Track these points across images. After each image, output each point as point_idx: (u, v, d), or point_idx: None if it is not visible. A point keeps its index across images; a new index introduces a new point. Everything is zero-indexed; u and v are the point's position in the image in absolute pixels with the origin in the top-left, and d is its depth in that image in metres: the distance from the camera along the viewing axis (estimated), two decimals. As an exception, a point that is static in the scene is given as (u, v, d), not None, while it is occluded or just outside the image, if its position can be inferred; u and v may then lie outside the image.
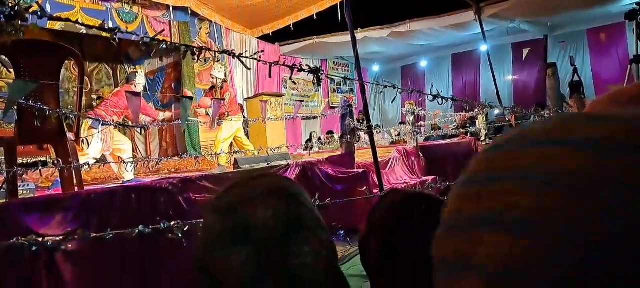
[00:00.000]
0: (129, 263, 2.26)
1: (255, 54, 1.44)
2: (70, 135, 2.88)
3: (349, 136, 4.30)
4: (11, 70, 2.67)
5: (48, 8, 5.87)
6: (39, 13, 0.98)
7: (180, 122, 3.83)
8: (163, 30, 6.39)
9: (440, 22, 8.61)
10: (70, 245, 1.60)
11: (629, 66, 3.46)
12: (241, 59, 1.41)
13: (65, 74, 7.33)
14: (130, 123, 4.20)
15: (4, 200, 2.28)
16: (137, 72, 5.14)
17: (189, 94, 5.59)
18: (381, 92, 11.60)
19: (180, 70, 7.28)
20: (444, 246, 0.30)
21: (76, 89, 4.50)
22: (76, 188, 2.72)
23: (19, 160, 2.76)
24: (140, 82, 5.02)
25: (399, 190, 1.01)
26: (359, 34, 8.68)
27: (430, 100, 1.96)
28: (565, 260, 0.23)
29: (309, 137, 9.68)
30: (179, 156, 4.20)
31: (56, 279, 1.94)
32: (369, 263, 0.92)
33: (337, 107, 9.74)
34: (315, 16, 7.80)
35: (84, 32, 5.89)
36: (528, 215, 0.25)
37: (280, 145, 4.86)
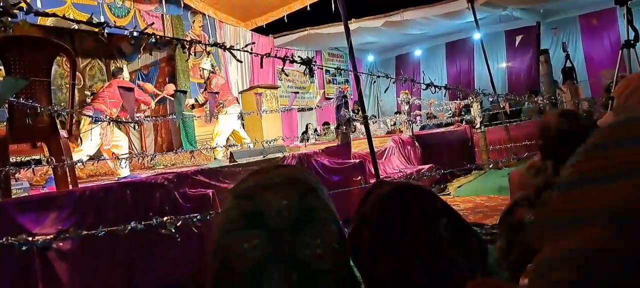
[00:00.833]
0: (123, 259, 2.26)
1: (246, 46, 1.43)
2: (64, 133, 2.86)
3: (344, 127, 4.30)
4: (1, 67, 2.64)
5: (39, 4, 5.80)
6: (25, 9, 0.97)
7: (174, 116, 3.81)
8: (153, 24, 6.34)
9: (434, 10, 8.59)
10: (62, 244, 1.60)
11: (620, 51, 3.47)
12: (232, 51, 1.40)
13: (57, 71, 7.26)
14: (124, 119, 4.17)
15: (-2, 199, 2.27)
16: (122, 67, 5.17)
17: (182, 88, 5.54)
18: (374, 82, 11.58)
19: (173, 64, 7.24)
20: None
21: (69, 85, 4.45)
22: (70, 186, 2.71)
23: (12, 159, 2.75)
24: (127, 77, 5.03)
25: (387, 181, 1.01)
26: (353, 25, 8.64)
27: (424, 89, 1.97)
28: None
29: (305, 129, 9.68)
30: (174, 151, 4.18)
31: (50, 277, 1.94)
32: (360, 258, 0.92)
33: (332, 98, 9.73)
34: (308, 7, 7.76)
35: (75, 27, 5.84)
36: None
37: (276, 137, 4.85)
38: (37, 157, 4.46)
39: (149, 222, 1.33)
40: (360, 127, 7.31)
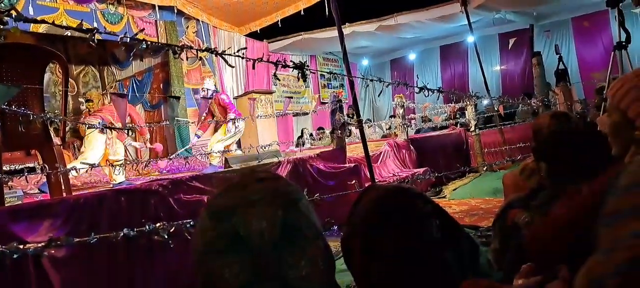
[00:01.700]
0: (118, 267, 2.24)
1: (238, 50, 1.43)
2: (57, 140, 2.84)
3: (339, 131, 4.30)
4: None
5: (31, 11, 5.78)
6: (15, 16, 0.97)
7: (167, 123, 3.79)
8: (143, 30, 6.32)
9: (427, 14, 8.63)
10: (55, 251, 1.58)
11: (612, 52, 3.50)
12: (224, 56, 1.39)
13: (50, 78, 7.23)
14: (118, 125, 4.16)
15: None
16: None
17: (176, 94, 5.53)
18: (367, 86, 11.61)
19: (168, 71, 7.22)
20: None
21: (62, 93, 4.42)
22: (64, 194, 2.69)
23: (6, 167, 2.72)
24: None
25: (377, 186, 1.01)
26: (347, 29, 8.66)
27: (417, 93, 1.97)
28: None
29: (300, 134, 9.68)
30: (168, 157, 4.16)
31: (45, 286, 1.91)
32: (353, 264, 0.92)
33: (327, 103, 9.74)
34: (302, 12, 7.78)
35: (68, 34, 5.82)
36: None
37: (271, 142, 4.85)
38: (31, 165, 4.43)
39: (141, 228, 1.32)
40: (355, 131, 7.31)
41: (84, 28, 1.17)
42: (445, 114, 9.26)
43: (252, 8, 7.80)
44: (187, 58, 6.88)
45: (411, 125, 8.09)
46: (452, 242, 0.94)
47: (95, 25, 6.32)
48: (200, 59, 6.90)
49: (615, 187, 0.42)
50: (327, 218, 3.63)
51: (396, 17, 8.79)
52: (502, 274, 1.27)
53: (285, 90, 9.82)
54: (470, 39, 8.32)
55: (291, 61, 1.64)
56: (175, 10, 7.26)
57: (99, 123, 3.98)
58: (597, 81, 7.80)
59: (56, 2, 6.15)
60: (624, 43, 3.47)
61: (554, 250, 1.09)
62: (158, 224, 1.36)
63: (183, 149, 5.13)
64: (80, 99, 7.56)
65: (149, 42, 1.23)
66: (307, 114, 9.49)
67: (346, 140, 4.59)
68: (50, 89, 7.18)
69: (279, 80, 9.11)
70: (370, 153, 3.69)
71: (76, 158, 4.76)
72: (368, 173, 3.57)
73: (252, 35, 8.93)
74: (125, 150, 7.57)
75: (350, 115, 7.51)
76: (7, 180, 2.38)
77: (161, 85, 7.47)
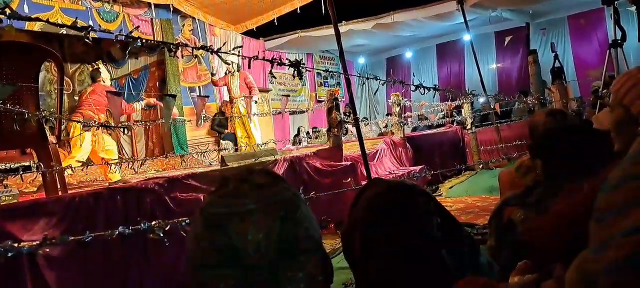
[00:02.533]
0: (113, 265, 2.23)
1: (234, 49, 1.42)
2: (52, 138, 2.83)
3: (335, 129, 4.30)
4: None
5: (26, 9, 5.74)
6: (9, 14, 0.96)
7: (164, 121, 3.78)
8: (138, 27, 6.30)
9: (424, 12, 8.64)
10: (50, 250, 1.57)
11: (608, 50, 3.51)
12: (219, 54, 1.39)
13: (46, 76, 7.18)
14: (112, 123, 4.14)
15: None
16: (99, 68, 5.04)
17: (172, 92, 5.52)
18: (363, 84, 11.61)
19: (164, 68, 7.19)
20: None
21: (57, 91, 4.36)
22: (60, 193, 2.68)
23: (1, 166, 2.71)
24: (106, 77, 4.91)
25: (379, 180, 1.00)
26: (343, 27, 8.66)
27: (413, 91, 1.98)
28: None
29: (297, 132, 9.67)
30: (164, 155, 4.15)
31: (40, 286, 1.91)
32: (353, 258, 0.92)
33: (323, 101, 9.74)
34: (298, 10, 7.76)
35: (64, 32, 5.79)
36: None
37: (267, 140, 4.85)
38: (26, 164, 4.41)
39: (136, 226, 1.31)
40: (352, 129, 7.31)
41: (78, 26, 1.17)
42: (442, 112, 9.28)
43: (248, 6, 7.79)
44: (182, 56, 6.86)
45: (408, 123, 8.10)
46: (452, 241, 0.94)
47: (91, 23, 6.29)
48: (196, 57, 6.87)
49: (607, 182, 0.42)
50: (324, 216, 3.64)
51: (393, 15, 8.79)
52: (498, 271, 1.28)
53: (281, 88, 9.81)
54: (467, 37, 8.34)
55: (287, 59, 1.63)
56: (171, 8, 7.23)
57: (94, 122, 3.95)
58: (593, 79, 7.84)
59: (51, 0, 6.11)
60: (619, 41, 3.48)
61: (553, 248, 1.10)
62: (154, 222, 1.35)
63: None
64: (76, 97, 7.52)
65: (143, 40, 1.23)
66: (303, 112, 9.49)
67: (343, 138, 4.59)
68: (45, 87, 7.13)
69: (275, 78, 9.14)
70: (367, 152, 3.69)
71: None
72: (364, 171, 3.57)
73: (249, 33, 8.91)
74: (119, 149, 7.55)
75: (347, 114, 7.52)
76: (2, 179, 2.37)
77: (157, 83, 7.44)
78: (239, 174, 0.62)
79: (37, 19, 1.22)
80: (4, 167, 4.01)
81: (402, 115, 6.04)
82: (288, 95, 6.63)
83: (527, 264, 1.26)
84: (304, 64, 1.64)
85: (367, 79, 2.12)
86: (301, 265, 0.57)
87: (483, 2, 7.88)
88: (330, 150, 4.20)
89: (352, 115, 3.51)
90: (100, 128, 3.84)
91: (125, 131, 6.23)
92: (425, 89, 1.91)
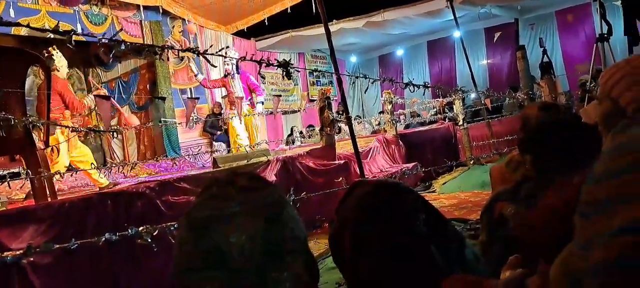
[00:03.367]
0: (107, 271, 2.21)
1: (220, 50, 1.41)
2: (40, 144, 2.79)
3: (328, 128, 4.30)
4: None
5: (12, 13, 5.68)
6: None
7: (153, 124, 3.74)
8: (121, 29, 6.21)
9: (414, 10, 8.67)
10: (38, 258, 1.55)
11: (595, 44, 3.55)
12: (206, 56, 1.38)
13: (34, 81, 7.09)
14: (102, 128, 4.09)
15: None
16: (52, 54, 4.31)
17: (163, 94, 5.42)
18: (353, 83, 11.62)
19: (154, 71, 7.14)
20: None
21: (44, 96, 4.25)
22: (49, 199, 2.65)
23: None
24: (61, 64, 4.29)
25: (365, 181, 1.00)
26: (334, 26, 8.66)
27: (402, 88, 1.98)
28: None
29: (290, 132, 9.66)
30: (156, 158, 4.12)
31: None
32: (343, 258, 0.91)
33: (315, 100, 9.73)
34: (289, 9, 7.75)
35: (51, 36, 5.73)
36: None
37: (260, 141, 4.83)
38: (16, 170, 4.35)
39: (124, 232, 1.30)
40: (345, 127, 7.32)
41: (60, 30, 1.15)
42: (434, 109, 9.32)
43: (238, 6, 7.76)
44: (167, 59, 6.79)
45: (400, 121, 8.11)
46: (439, 236, 0.94)
47: (79, 26, 6.23)
48: (187, 58, 6.83)
49: (590, 176, 0.41)
50: (318, 215, 3.63)
51: (383, 13, 8.81)
52: (489, 266, 1.28)
53: (274, 88, 9.79)
54: (457, 34, 8.38)
55: (275, 60, 1.63)
56: (161, 10, 7.18)
57: (89, 128, 3.88)
58: (581, 73, 7.92)
59: (38, 3, 6.04)
60: (606, 35, 3.52)
61: (543, 242, 1.10)
62: (141, 228, 1.34)
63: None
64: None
65: (128, 44, 1.21)
66: (295, 112, 9.47)
67: (336, 136, 4.59)
68: (33, 92, 7.05)
69: (264, 78, 9.13)
70: (360, 150, 3.69)
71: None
72: (358, 169, 3.57)
73: (239, 33, 8.88)
74: (110, 153, 7.48)
75: (340, 113, 7.52)
76: (-11, 186, 2.33)
77: (147, 85, 7.39)
78: (224, 177, 0.62)
79: (18, 24, 1.21)
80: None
81: (394, 113, 6.05)
82: (279, 96, 6.59)
83: (518, 259, 1.26)
84: (292, 64, 1.63)
85: (357, 77, 2.12)
86: (286, 266, 0.57)
87: (472, -2, 7.93)
88: (323, 150, 4.20)
89: (344, 113, 3.51)
90: (87, 135, 3.75)
91: (115, 135, 6.18)
92: (415, 87, 1.92)
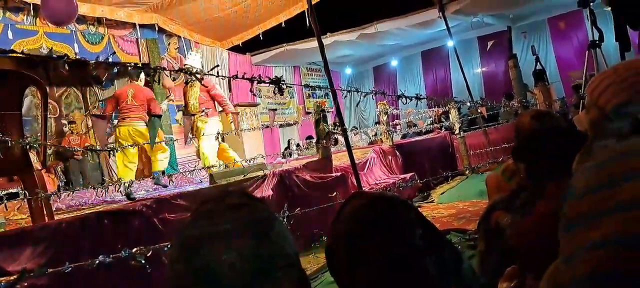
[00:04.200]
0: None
1: (212, 69, 1.43)
2: (37, 165, 2.79)
3: (324, 141, 4.31)
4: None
5: (10, 35, 5.71)
6: (-15, 45, 0.95)
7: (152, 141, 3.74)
8: (114, 53, 6.17)
9: (407, 21, 8.75)
10: (35, 282, 1.53)
11: (587, 51, 3.59)
12: (196, 76, 1.40)
13: (32, 101, 7.10)
14: (99, 147, 4.10)
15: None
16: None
17: (163, 106, 5.29)
18: (345, 96, 11.65)
19: (151, 88, 7.15)
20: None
21: (42, 116, 4.27)
22: (46, 219, 2.64)
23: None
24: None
25: (360, 194, 1.00)
26: (328, 39, 8.73)
27: (396, 100, 2.00)
28: None
29: (287, 145, 9.67)
30: (152, 176, 4.10)
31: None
32: (339, 272, 0.92)
33: (311, 113, 9.76)
34: (283, 24, 7.82)
35: (50, 54, 5.75)
36: None
37: (256, 155, 4.82)
38: (14, 191, 4.34)
39: (117, 255, 1.29)
40: (341, 139, 7.33)
41: (53, 56, 1.16)
42: (430, 118, 9.36)
43: (233, 22, 7.82)
44: (159, 82, 6.66)
45: (396, 131, 8.13)
46: (435, 250, 0.94)
47: (76, 46, 6.27)
48: (175, 79, 6.83)
49: (571, 188, 0.42)
50: (316, 229, 3.63)
51: (376, 25, 8.89)
52: (487, 277, 1.29)
53: (270, 102, 9.82)
54: (450, 43, 8.45)
55: (267, 77, 1.65)
56: (157, 28, 7.23)
57: (88, 147, 3.88)
58: (575, 80, 7.98)
59: (35, 24, 6.08)
60: (597, 41, 3.55)
61: (539, 249, 1.10)
62: (135, 249, 1.34)
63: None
64: (63, 121, 7.44)
65: (119, 67, 1.22)
66: (291, 125, 9.49)
67: (333, 148, 4.59)
68: (32, 112, 7.05)
69: (259, 93, 9.09)
70: (357, 161, 3.70)
71: (62, 183, 4.40)
72: (355, 181, 3.57)
73: (235, 49, 8.93)
74: (107, 170, 7.44)
75: (336, 124, 7.54)
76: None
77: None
78: (215, 195, 0.63)
79: (12, 52, 1.22)
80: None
81: (390, 123, 6.07)
82: (275, 109, 6.58)
83: (515, 270, 1.27)
84: (284, 80, 1.66)
85: (349, 91, 2.14)
86: (279, 283, 0.58)
87: (464, 8, 8.00)
88: (320, 162, 4.21)
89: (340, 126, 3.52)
90: (85, 154, 3.77)
91: (111, 154, 6.16)
92: (407, 99, 1.93)
